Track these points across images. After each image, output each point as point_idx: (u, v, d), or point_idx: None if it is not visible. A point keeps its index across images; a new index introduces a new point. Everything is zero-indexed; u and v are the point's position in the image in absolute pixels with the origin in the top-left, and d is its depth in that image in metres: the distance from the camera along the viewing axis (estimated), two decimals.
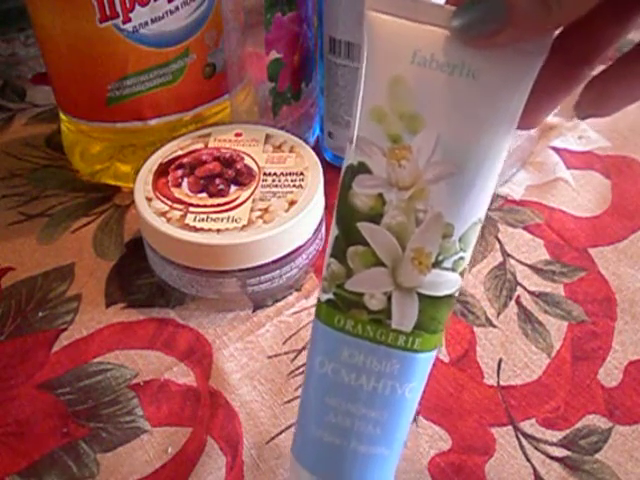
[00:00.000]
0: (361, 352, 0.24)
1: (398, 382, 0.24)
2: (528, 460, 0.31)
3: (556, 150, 0.48)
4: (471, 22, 0.20)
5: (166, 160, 0.39)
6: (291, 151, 0.40)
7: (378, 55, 0.21)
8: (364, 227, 0.22)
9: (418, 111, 0.21)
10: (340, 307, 0.23)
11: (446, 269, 0.23)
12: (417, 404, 0.25)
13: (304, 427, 0.26)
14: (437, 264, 0.22)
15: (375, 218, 0.22)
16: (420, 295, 0.23)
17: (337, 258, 0.23)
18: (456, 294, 0.23)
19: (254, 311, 0.38)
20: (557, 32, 0.22)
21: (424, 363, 0.24)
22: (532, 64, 0.21)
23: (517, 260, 0.41)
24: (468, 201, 0.22)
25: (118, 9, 0.39)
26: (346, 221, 0.23)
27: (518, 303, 0.38)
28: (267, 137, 0.41)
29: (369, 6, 0.21)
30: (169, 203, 0.37)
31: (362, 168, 0.22)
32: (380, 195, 0.22)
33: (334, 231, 0.23)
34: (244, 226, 0.35)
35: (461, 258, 0.23)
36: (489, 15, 0.20)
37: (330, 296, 0.24)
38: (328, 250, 0.24)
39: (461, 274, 0.23)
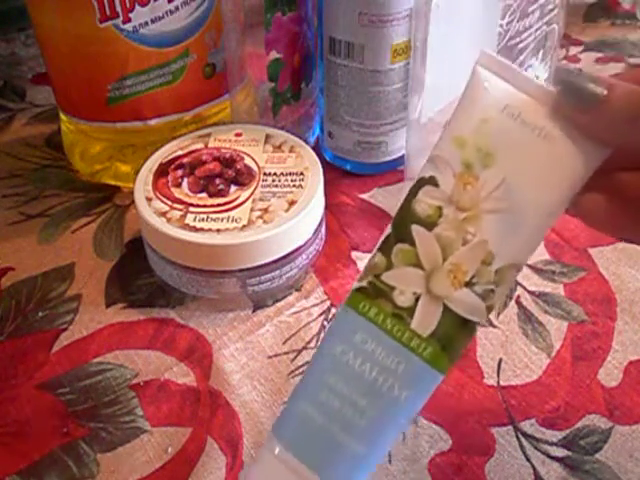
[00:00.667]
0: (374, 340, 0.24)
1: (398, 383, 0.24)
2: (528, 460, 0.31)
3: None
4: (570, 88, 0.23)
5: (166, 160, 0.39)
6: (291, 151, 0.40)
7: (476, 99, 0.25)
8: (417, 230, 0.24)
9: (493, 151, 0.24)
10: (369, 294, 0.25)
11: (476, 293, 0.24)
12: (409, 419, 0.25)
13: (292, 401, 0.26)
14: (470, 284, 0.24)
15: (429, 225, 0.24)
16: (445, 307, 0.24)
17: (382, 252, 0.25)
18: (477, 327, 0.24)
19: (254, 311, 0.38)
20: None
21: (428, 378, 0.24)
22: (597, 155, 0.23)
23: None
24: (514, 241, 0.24)
25: (118, 9, 0.39)
26: (403, 221, 0.25)
27: (518, 303, 0.38)
28: (267, 137, 0.41)
29: (480, 62, 0.25)
30: (169, 203, 0.37)
31: (431, 181, 0.25)
32: (439, 208, 0.24)
33: (387, 230, 0.25)
34: (244, 226, 0.35)
35: (492, 291, 0.24)
36: (587, 90, 0.22)
37: (363, 284, 0.25)
38: (376, 246, 0.25)
39: (488, 309, 0.24)
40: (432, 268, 0.24)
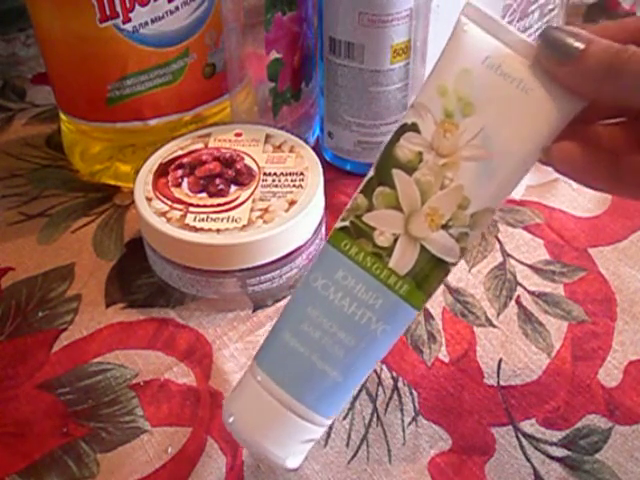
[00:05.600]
0: (354, 277, 0.26)
1: (375, 317, 0.26)
2: (528, 460, 0.31)
3: None
4: (551, 41, 0.24)
5: (166, 160, 0.39)
6: (291, 151, 0.40)
7: (458, 49, 0.25)
8: (397, 174, 0.26)
9: (474, 101, 0.25)
10: (351, 234, 0.26)
11: (451, 235, 0.25)
12: (384, 352, 0.27)
13: (275, 332, 0.28)
14: (445, 227, 0.25)
15: (409, 170, 0.26)
16: (422, 248, 0.26)
17: (364, 194, 0.27)
18: (451, 267, 0.26)
19: (254, 311, 0.38)
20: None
21: (403, 313, 0.26)
22: (572, 107, 0.24)
23: (517, 260, 0.41)
24: (489, 188, 0.25)
25: (118, 9, 0.39)
26: (384, 165, 0.26)
27: (518, 303, 0.38)
28: (267, 137, 0.41)
29: (464, 13, 0.26)
30: (169, 203, 0.37)
31: (413, 127, 0.26)
32: (420, 153, 0.26)
33: (370, 173, 0.27)
34: (244, 226, 0.35)
35: (466, 234, 0.25)
36: (567, 44, 0.23)
37: (346, 224, 0.27)
38: (359, 188, 0.27)
39: (462, 250, 0.26)
40: (411, 211, 0.26)
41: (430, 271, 0.26)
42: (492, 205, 0.25)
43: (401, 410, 0.33)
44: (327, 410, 0.27)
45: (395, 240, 0.26)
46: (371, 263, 0.26)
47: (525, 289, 0.39)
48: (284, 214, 0.36)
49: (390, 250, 0.26)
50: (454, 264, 0.26)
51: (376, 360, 0.27)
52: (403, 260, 0.26)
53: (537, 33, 0.24)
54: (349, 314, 0.26)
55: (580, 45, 0.23)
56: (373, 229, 0.26)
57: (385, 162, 0.26)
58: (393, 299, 0.26)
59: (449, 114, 0.25)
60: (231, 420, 0.27)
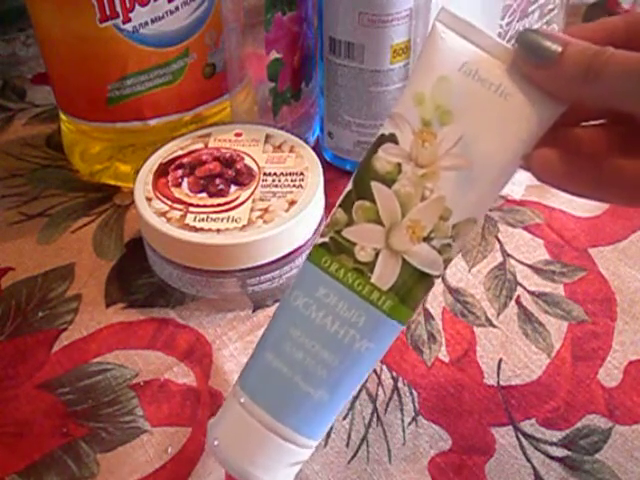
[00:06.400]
0: (336, 294, 0.25)
1: (359, 334, 0.25)
2: (528, 460, 0.31)
3: None
4: (528, 44, 0.23)
5: (166, 160, 0.39)
6: (291, 151, 0.40)
7: (434, 56, 0.25)
8: (376, 186, 0.25)
9: (451, 109, 0.24)
10: (331, 250, 0.26)
11: (433, 248, 0.25)
12: (369, 369, 0.26)
13: (257, 353, 0.27)
14: (427, 239, 0.25)
15: (388, 182, 0.25)
16: (404, 261, 0.25)
17: (343, 208, 0.26)
18: (434, 280, 0.25)
19: (254, 311, 0.38)
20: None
21: (388, 329, 0.25)
22: (552, 112, 0.24)
23: (517, 260, 0.41)
24: (470, 197, 0.24)
25: (118, 9, 0.39)
26: (363, 178, 0.25)
27: (518, 303, 0.38)
28: (267, 137, 0.41)
29: (439, 19, 0.25)
30: (169, 203, 0.37)
31: (391, 138, 0.25)
32: (399, 164, 0.25)
33: (348, 187, 0.26)
34: (244, 226, 0.35)
35: (449, 245, 0.25)
36: (544, 47, 0.23)
37: (325, 240, 0.26)
38: (337, 202, 0.26)
39: (445, 262, 0.25)
40: (391, 224, 0.25)
41: (413, 285, 0.25)
42: (474, 215, 0.25)
43: (401, 410, 0.33)
44: (311, 431, 0.26)
45: (376, 255, 0.25)
46: (353, 279, 0.25)
47: (525, 289, 0.39)
48: (284, 214, 0.36)
49: (372, 265, 0.25)
50: (438, 276, 0.25)
51: (361, 379, 0.27)
52: (385, 275, 0.25)
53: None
54: (332, 333, 0.25)
55: (557, 48, 0.23)
56: (354, 244, 0.25)
57: (363, 175, 0.25)
58: (377, 315, 0.25)
59: (427, 123, 0.24)
60: (216, 443, 0.27)
